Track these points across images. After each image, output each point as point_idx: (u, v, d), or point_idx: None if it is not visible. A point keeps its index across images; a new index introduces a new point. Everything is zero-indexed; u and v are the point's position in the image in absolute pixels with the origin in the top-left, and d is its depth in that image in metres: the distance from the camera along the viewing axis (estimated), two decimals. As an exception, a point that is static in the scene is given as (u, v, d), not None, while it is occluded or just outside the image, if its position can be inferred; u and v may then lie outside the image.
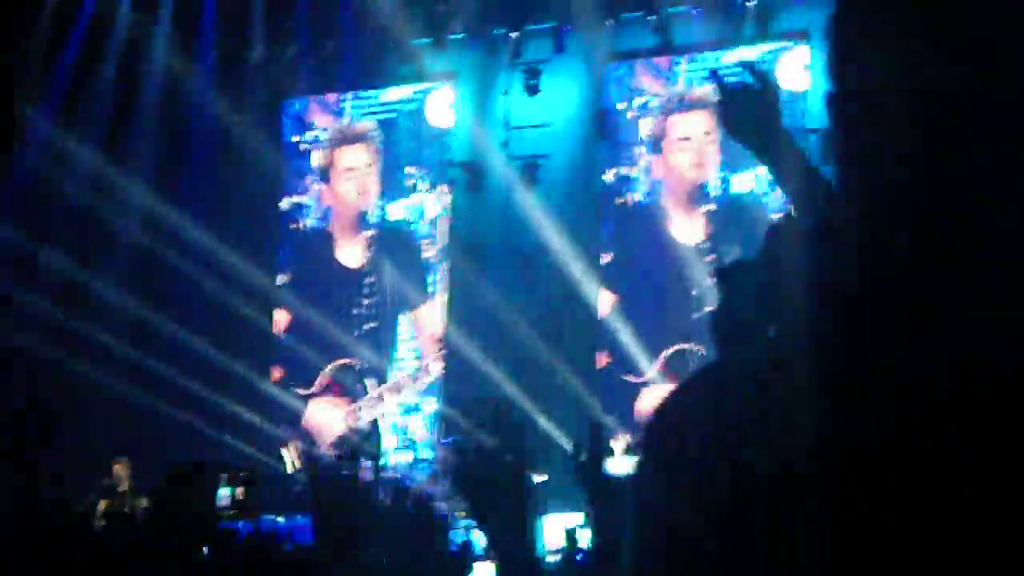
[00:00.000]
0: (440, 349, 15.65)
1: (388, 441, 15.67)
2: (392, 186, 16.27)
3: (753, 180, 14.41)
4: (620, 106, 15.16)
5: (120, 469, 13.11)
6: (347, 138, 16.55)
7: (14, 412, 13.95)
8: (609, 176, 15.12)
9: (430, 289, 15.89)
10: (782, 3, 14.29)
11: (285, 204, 16.73)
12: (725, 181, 14.54)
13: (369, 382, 15.80)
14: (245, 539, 6.21)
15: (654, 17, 14.85)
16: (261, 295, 16.12)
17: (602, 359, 14.81)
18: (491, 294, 14.59)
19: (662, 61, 15.08)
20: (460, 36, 15.70)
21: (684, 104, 14.82)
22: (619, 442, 13.01)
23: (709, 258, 14.28)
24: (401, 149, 16.29)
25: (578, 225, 14.73)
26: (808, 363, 1.33)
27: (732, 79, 2.78)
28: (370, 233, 16.30)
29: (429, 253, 16.02)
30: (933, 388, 1.23)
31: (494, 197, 15.19)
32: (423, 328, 15.86)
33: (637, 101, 15.09)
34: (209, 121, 16.44)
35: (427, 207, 16.09)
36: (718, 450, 1.37)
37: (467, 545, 9.46)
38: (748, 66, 2.73)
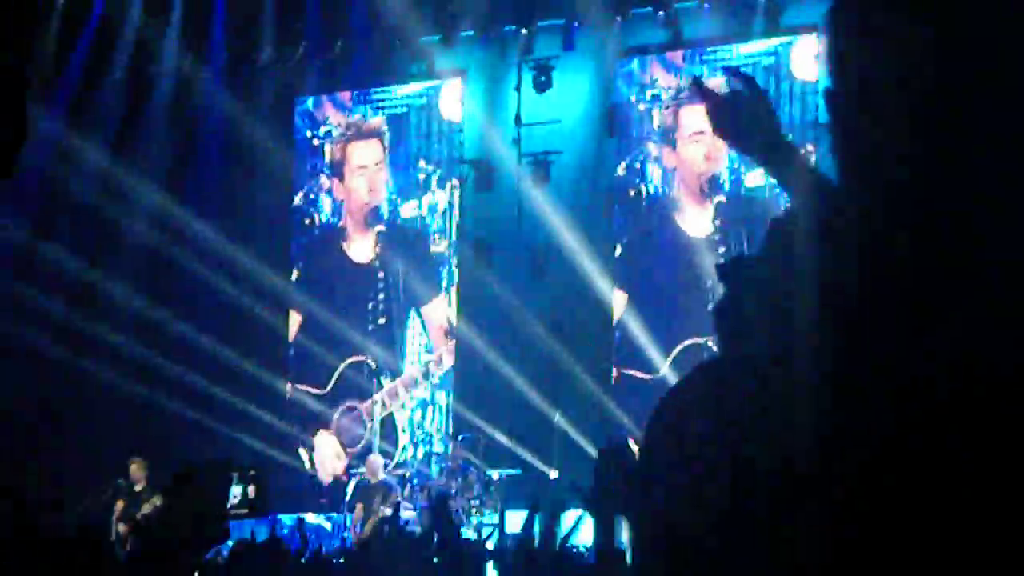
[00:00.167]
0: (451, 340, 15.68)
1: (402, 438, 15.73)
2: (404, 181, 16.29)
3: (764, 174, 14.39)
4: (632, 99, 15.15)
5: (136, 469, 13.14)
6: (359, 133, 16.57)
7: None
8: (621, 169, 15.12)
9: (443, 283, 15.92)
10: (791, -3, 14.27)
11: (298, 199, 16.77)
12: (736, 173, 14.53)
13: (383, 378, 15.84)
14: (260, 545, 6.23)
15: (663, 12, 14.83)
16: (275, 294, 16.15)
17: (614, 356, 14.80)
18: (502, 290, 14.60)
19: (674, 55, 15.07)
20: (470, 33, 15.68)
21: (696, 97, 14.78)
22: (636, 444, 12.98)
23: (721, 250, 14.28)
24: (412, 144, 16.31)
25: (589, 221, 14.72)
26: (809, 361, 1.33)
27: (739, 74, 2.76)
28: (381, 228, 16.33)
29: (440, 248, 16.04)
30: (933, 388, 1.23)
31: (505, 194, 15.19)
32: (433, 322, 15.89)
33: (649, 93, 15.08)
34: (219, 121, 16.47)
35: (438, 202, 16.11)
36: (717, 446, 1.37)
37: (480, 542, 9.47)
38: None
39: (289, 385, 16.24)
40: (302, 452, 16.02)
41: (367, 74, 16.34)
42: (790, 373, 1.32)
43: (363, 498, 13.31)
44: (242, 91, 16.43)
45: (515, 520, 10.78)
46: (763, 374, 1.37)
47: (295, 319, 16.48)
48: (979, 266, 1.25)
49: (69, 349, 15.23)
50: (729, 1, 14.67)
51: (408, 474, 14.95)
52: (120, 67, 16.45)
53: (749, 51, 14.61)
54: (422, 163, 16.22)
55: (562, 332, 14.41)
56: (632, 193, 15.05)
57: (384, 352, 15.91)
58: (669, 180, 14.91)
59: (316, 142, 16.77)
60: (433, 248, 16.05)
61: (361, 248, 16.43)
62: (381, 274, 16.23)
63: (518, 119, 15.06)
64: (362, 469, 14.32)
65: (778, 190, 14.30)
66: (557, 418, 13.77)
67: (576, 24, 15.12)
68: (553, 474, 13.52)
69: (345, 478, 15.19)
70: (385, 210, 16.34)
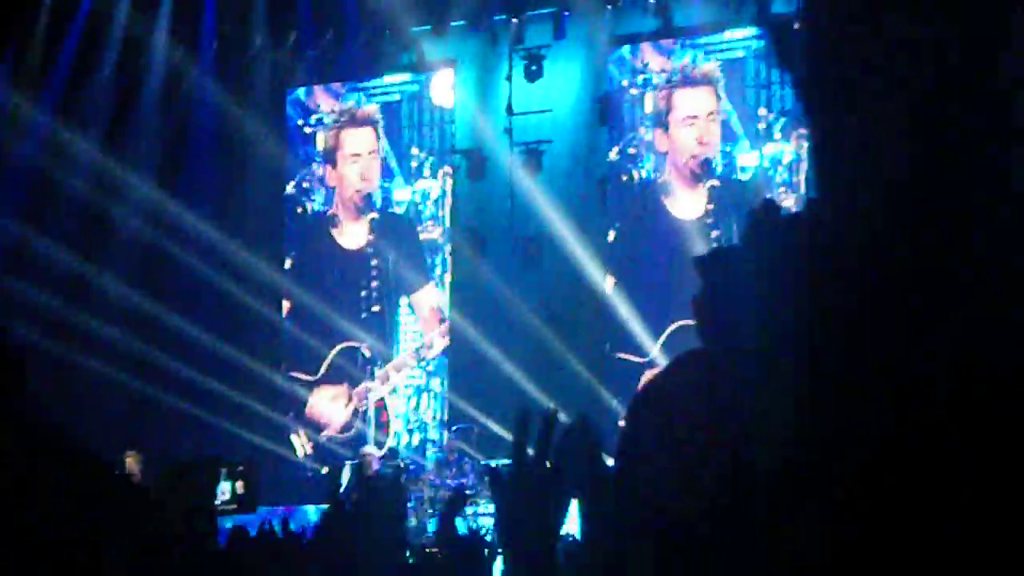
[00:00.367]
0: (442, 323, 15.71)
1: (394, 424, 15.75)
2: (396, 169, 16.30)
3: (757, 157, 14.44)
4: (624, 83, 15.15)
5: (132, 463, 13.13)
6: (353, 120, 16.57)
7: None
8: (613, 154, 15.13)
9: (437, 271, 15.93)
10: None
11: (290, 188, 16.77)
12: (729, 157, 14.56)
13: (375, 368, 15.86)
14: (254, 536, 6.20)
15: (654, 0, 14.83)
16: (268, 285, 16.15)
17: (607, 341, 14.83)
18: (495, 279, 14.61)
19: (666, 40, 15.09)
20: (460, 23, 15.67)
21: (689, 80, 14.83)
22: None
23: (715, 233, 14.32)
24: (404, 131, 16.32)
25: (581, 209, 14.74)
26: (801, 355, 1.32)
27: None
28: (373, 216, 16.33)
29: (433, 234, 16.05)
30: (933, 388, 1.23)
31: (497, 183, 15.20)
32: (423, 309, 15.92)
33: (640, 78, 15.09)
34: (211, 112, 16.45)
35: (431, 189, 16.13)
36: (709, 432, 1.36)
37: (478, 534, 9.46)
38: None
39: (283, 374, 16.25)
40: (294, 439, 16.02)
41: (358, 65, 16.33)
42: (785, 369, 1.31)
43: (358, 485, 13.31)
44: (233, 83, 16.41)
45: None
46: (756, 367, 1.36)
47: (287, 307, 16.49)
48: (979, 265, 1.25)
49: (61, 343, 15.20)
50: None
51: (403, 464, 14.97)
52: (110, 60, 16.40)
53: (739, 36, 14.63)
54: (414, 150, 16.24)
55: (555, 319, 14.43)
56: (624, 178, 15.07)
57: (377, 340, 15.93)
58: (661, 165, 14.93)
59: (308, 130, 16.78)
60: (425, 235, 16.06)
61: (353, 235, 16.44)
62: (374, 261, 16.25)
63: (510, 108, 15.07)
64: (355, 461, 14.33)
65: (771, 173, 14.37)
66: (551, 407, 13.77)
67: (567, 13, 15.12)
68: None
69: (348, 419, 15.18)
70: (377, 197, 16.35)
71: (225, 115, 16.24)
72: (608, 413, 13.53)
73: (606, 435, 2.08)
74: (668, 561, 1.36)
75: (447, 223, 15.95)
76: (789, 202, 13.83)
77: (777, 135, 14.40)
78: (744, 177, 14.48)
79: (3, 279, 15.26)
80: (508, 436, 14.05)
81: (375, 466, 13.70)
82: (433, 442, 15.32)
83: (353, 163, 16.52)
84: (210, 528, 3.05)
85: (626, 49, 15.20)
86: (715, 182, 14.62)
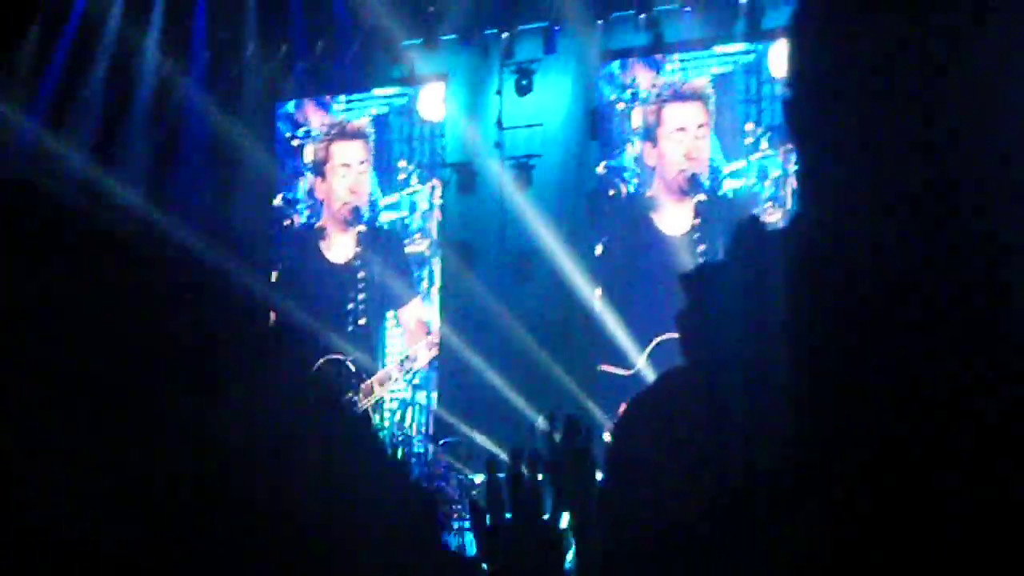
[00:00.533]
0: (428, 337, 15.67)
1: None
2: (385, 181, 16.28)
3: (744, 172, 14.46)
4: (612, 97, 15.16)
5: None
6: (343, 133, 16.55)
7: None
8: (601, 168, 15.14)
9: (424, 284, 15.90)
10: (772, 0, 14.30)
11: (277, 201, 16.74)
12: (717, 172, 14.57)
13: (360, 376, 15.81)
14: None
15: (644, 15, 14.85)
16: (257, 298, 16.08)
17: (595, 356, 14.81)
18: (485, 293, 14.60)
19: (656, 55, 15.11)
20: (451, 37, 15.68)
21: (679, 95, 14.85)
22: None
23: (701, 248, 14.33)
24: (394, 144, 16.30)
25: (572, 224, 14.74)
26: (798, 363, 1.33)
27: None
28: (361, 229, 16.31)
29: (421, 247, 16.02)
30: (933, 388, 1.24)
31: (487, 197, 15.19)
32: (409, 323, 15.88)
33: (629, 92, 15.10)
34: (200, 124, 16.42)
35: (419, 201, 16.11)
36: (709, 433, 1.37)
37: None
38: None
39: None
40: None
41: (349, 77, 16.32)
42: (775, 374, 1.32)
43: None
44: (225, 92, 16.39)
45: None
46: (747, 374, 1.37)
47: (273, 320, 16.42)
48: (979, 264, 1.26)
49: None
50: (710, 4, 14.69)
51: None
52: (101, 69, 16.38)
53: (729, 51, 14.66)
54: (403, 163, 16.21)
55: (544, 334, 14.42)
56: (612, 192, 15.07)
57: (362, 354, 15.89)
58: (649, 179, 14.94)
59: (296, 143, 16.75)
60: (413, 248, 16.03)
61: (341, 248, 16.41)
62: (361, 274, 16.21)
63: (500, 123, 15.07)
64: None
65: (757, 190, 14.38)
66: (539, 420, 13.76)
67: (557, 27, 15.14)
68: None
69: None
70: (366, 211, 16.33)
71: (215, 126, 16.21)
72: (595, 427, 13.52)
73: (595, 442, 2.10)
74: (668, 561, 1.37)
75: (435, 236, 15.94)
76: (776, 217, 13.87)
77: (764, 147, 14.42)
78: (731, 191, 14.50)
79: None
80: (495, 449, 14.03)
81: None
82: (418, 456, 15.28)
83: (342, 176, 16.50)
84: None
85: (616, 64, 15.22)
86: (702, 197, 14.63)
